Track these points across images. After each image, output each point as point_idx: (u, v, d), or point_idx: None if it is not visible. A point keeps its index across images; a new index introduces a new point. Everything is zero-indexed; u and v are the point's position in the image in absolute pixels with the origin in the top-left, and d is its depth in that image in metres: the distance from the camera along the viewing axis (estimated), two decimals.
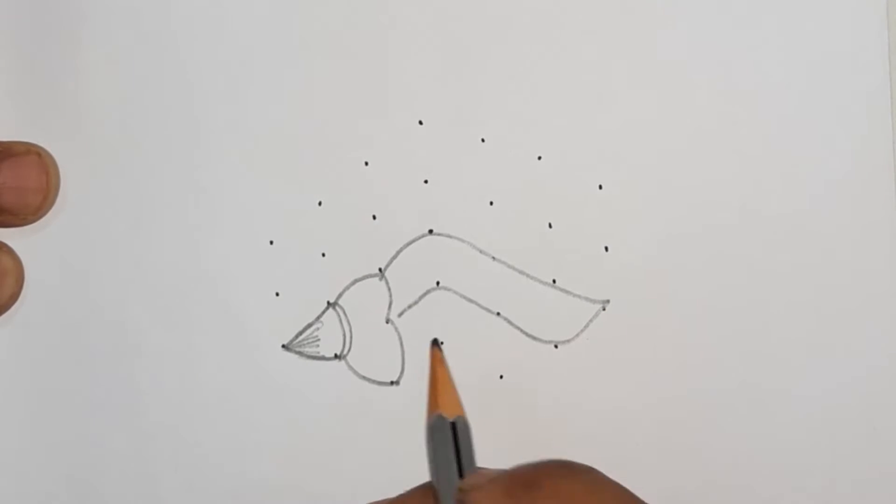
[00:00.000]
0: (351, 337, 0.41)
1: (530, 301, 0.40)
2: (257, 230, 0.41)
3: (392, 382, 0.41)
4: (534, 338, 0.40)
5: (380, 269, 0.41)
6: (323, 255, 0.41)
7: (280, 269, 0.41)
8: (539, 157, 0.41)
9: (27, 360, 0.42)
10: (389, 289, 0.41)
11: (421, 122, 0.41)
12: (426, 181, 0.41)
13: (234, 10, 0.42)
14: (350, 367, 0.41)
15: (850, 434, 0.40)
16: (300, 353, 0.41)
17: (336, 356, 0.41)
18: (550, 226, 0.41)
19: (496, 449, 0.40)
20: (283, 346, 0.41)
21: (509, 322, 0.41)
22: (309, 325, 0.41)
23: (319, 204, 0.41)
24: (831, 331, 0.40)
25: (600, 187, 0.40)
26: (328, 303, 0.41)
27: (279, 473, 0.41)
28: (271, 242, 0.41)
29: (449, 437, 0.32)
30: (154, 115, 0.42)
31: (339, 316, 0.41)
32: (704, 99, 0.40)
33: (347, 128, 0.41)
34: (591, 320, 0.40)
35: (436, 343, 0.38)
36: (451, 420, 0.33)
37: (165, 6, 0.42)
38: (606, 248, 0.40)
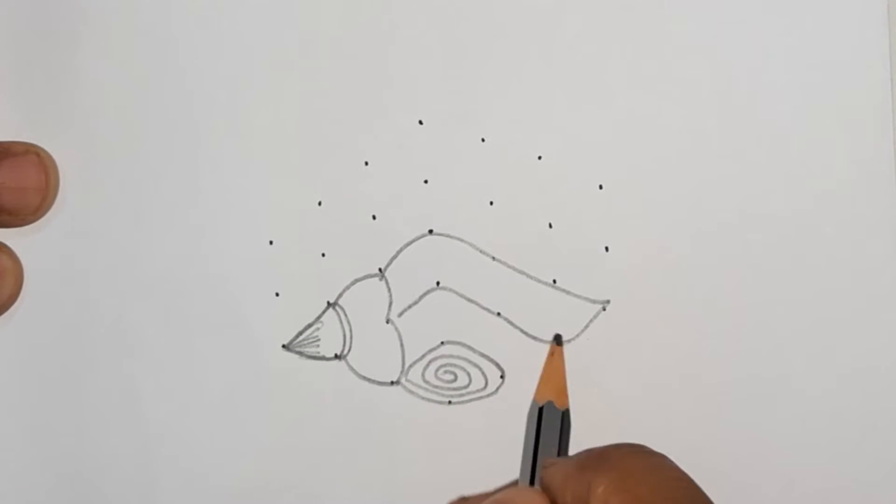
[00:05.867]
0: (351, 337, 0.41)
1: (530, 301, 0.40)
2: (257, 230, 0.41)
3: (392, 382, 0.41)
4: (534, 338, 0.40)
5: (380, 269, 0.41)
6: (323, 255, 0.41)
7: (280, 269, 0.41)
8: (539, 157, 0.41)
9: (27, 360, 0.42)
10: (389, 289, 0.41)
11: (421, 122, 0.41)
12: (426, 181, 0.41)
13: (234, 9, 0.42)
14: (350, 367, 0.41)
15: (850, 433, 0.40)
16: (300, 353, 0.41)
17: (336, 356, 0.41)
18: (550, 226, 0.41)
19: (497, 448, 0.40)
20: (284, 346, 0.41)
21: (509, 322, 0.41)
22: (309, 325, 0.41)
23: (319, 204, 0.41)
24: (831, 330, 0.40)
25: (600, 187, 0.40)
26: (328, 303, 0.41)
27: (279, 473, 0.41)
28: (271, 242, 0.41)
29: (534, 421, 0.38)
30: (154, 114, 0.42)
31: (339, 316, 0.41)
32: (705, 99, 0.40)
33: (347, 128, 0.41)
34: (591, 320, 0.40)
35: (559, 341, 0.38)
36: (539, 405, 0.38)
37: (165, 6, 0.42)
38: (606, 248, 0.40)
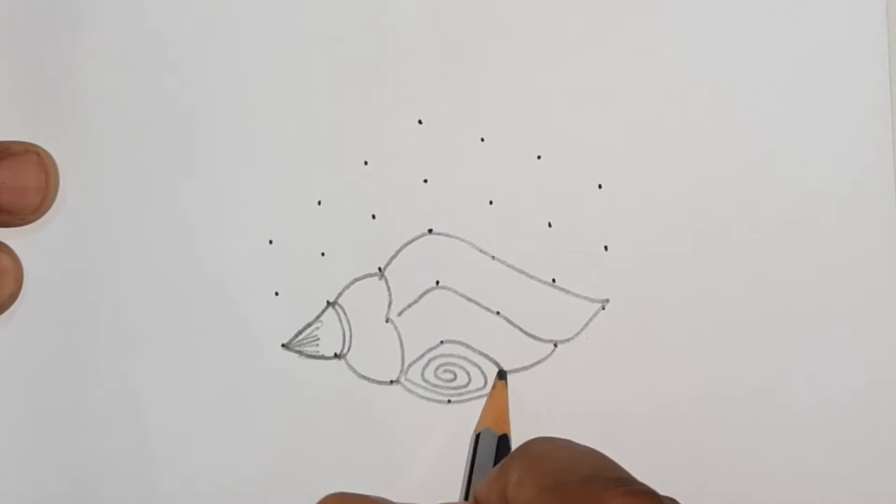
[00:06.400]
0: (350, 336, 0.41)
1: (530, 300, 0.40)
2: (257, 230, 0.41)
3: (392, 381, 0.41)
4: (533, 337, 0.40)
5: (379, 269, 0.41)
6: (322, 254, 0.41)
7: (279, 269, 0.41)
8: (539, 157, 0.41)
9: (27, 360, 0.42)
10: (389, 288, 0.41)
11: (420, 122, 0.41)
12: (426, 180, 0.41)
13: (234, 9, 0.42)
14: (350, 367, 0.41)
15: (850, 434, 0.40)
16: (300, 353, 0.41)
17: (336, 355, 0.41)
18: (550, 225, 0.41)
19: None
20: (283, 345, 0.41)
21: (509, 321, 0.41)
22: (309, 325, 0.41)
23: (319, 203, 0.41)
24: (831, 331, 0.40)
25: (600, 187, 0.40)
26: (328, 302, 0.41)
27: (279, 473, 0.41)
28: (271, 242, 0.41)
29: (471, 448, 0.38)
30: (153, 114, 0.42)
31: (338, 315, 0.41)
32: (704, 99, 0.40)
33: (347, 127, 0.41)
34: (590, 320, 0.40)
35: (502, 376, 0.38)
36: (477, 433, 0.39)
37: (165, 6, 0.42)
38: (606, 248, 0.40)
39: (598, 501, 0.24)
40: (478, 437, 0.39)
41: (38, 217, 0.40)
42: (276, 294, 0.41)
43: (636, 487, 0.24)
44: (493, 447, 0.39)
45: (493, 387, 0.40)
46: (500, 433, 0.39)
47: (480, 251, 0.41)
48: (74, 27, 0.42)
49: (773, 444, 0.40)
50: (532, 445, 0.28)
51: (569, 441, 0.28)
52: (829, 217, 0.40)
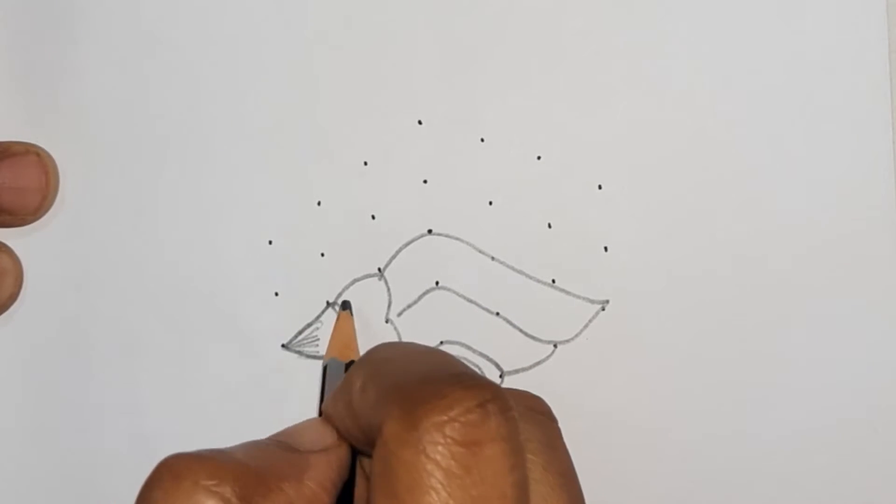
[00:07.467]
0: None
1: (529, 301, 0.40)
2: (256, 230, 0.41)
3: None
4: (533, 338, 0.40)
5: (379, 269, 0.41)
6: (322, 254, 0.41)
7: (279, 269, 0.41)
8: (538, 157, 0.41)
9: (27, 360, 0.42)
10: (389, 289, 0.41)
11: (420, 122, 0.41)
12: (425, 181, 0.41)
13: (234, 10, 0.42)
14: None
15: (850, 434, 0.40)
16: (300, 353, 0.41)
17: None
18: (550, 226, 0.41)
19: None
20: (283, 345, 0.41)
21: (509, 322, 0.41)
22: (308, 325, 0.41)
23: (319, 204, 0.41)
24: (831, 331, 0.40)
25: (600, 187, 0.40)
26: (327, 302, 0.41)
27: None
28: (270, 242, 0.41)
29: (320, 380, 0.36)
30: (154, 115, 0.42)
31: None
32: (704, 99, 0.40)
33: (347, 127, 0.41)
34: (590, 320, 0.40)
35: (346, 306, 0.39)
36: (324, 365, 0.36)
37: (165, 6, 0.42)
38: (606, 249, 0.40)
39: (437, 398, 0.23)
40: (325, 368, 0.38)
41: (38, 217, 0.40)
42: (276, 294, 0.41)
43: (473, 381, 0.24)
44: (342, 374, 0.37)
45: (338, 318, 0.39)
46: (347, 360, 0.38)
47: (480, 252, 0.41)
48: (74, 27, 0.42)
49: (772, 445, 0.40)
50: (372, 352, 0.27)
51: (410, 343, 0.28)
52: (829, 217, 0.40)
